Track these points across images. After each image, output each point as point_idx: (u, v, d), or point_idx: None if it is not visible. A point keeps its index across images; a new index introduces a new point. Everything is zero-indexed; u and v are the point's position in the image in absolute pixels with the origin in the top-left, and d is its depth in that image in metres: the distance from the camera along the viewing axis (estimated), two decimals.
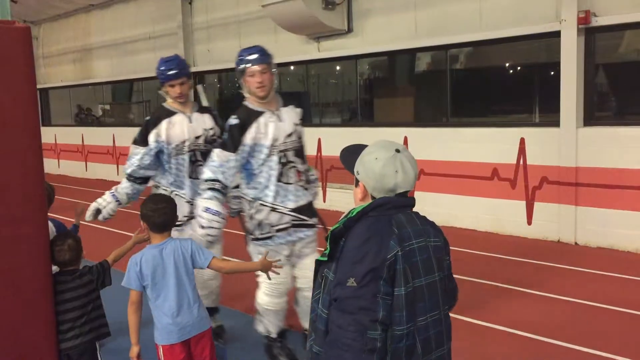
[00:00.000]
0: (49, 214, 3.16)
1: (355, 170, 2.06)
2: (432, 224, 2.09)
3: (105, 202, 4.30)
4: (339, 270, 1.90)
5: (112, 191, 4.34)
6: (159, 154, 4.29)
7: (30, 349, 2.99)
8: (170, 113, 4.33)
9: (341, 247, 1.95)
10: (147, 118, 4.46)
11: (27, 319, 2.96)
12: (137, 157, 4.29)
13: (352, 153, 2.12)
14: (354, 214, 1.97)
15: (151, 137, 4.26)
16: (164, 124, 4.27)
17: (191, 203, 4.21)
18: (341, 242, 1.96)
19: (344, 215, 2.04)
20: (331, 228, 2.00)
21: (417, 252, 1.96)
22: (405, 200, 2.02)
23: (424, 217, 2.08)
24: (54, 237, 3.29)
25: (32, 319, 2.98)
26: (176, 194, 4.23)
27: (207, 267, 3.22)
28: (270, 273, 3.29)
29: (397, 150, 2.00)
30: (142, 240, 3.50)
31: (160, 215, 3.14)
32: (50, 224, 3.28)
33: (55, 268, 3.22)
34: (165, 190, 4.30)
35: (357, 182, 2.07)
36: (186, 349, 3.17)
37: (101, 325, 3.26)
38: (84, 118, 17.22)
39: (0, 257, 2.85)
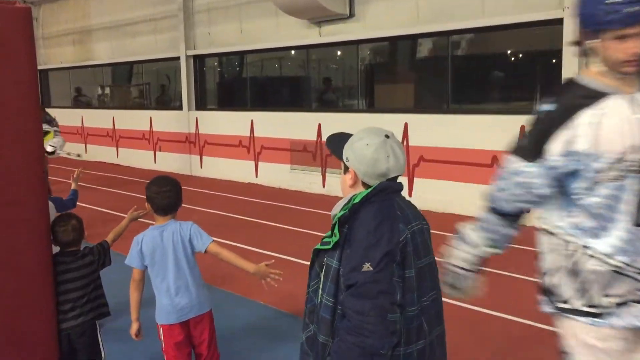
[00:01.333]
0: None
1: (344, 157, 2.06)
2: (415, 207, 2.12)
3: None
4: (352, 257, 1.89)
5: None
6: (568, 176, 2.17)
7: (30, 329, 3.01)
8: (598, 95, 2.14)
9: (345, 234, 1.95)
10: (546, 108, 2.24)
11: (27, 300, 2.98)
12: (518, 179, 2.26)
13: (338, 140, 2.12)
14: (357, 200, 1.96)
15: (556, 146, 2.14)
16: (586, 118, 2.10)
17: None
18: (345, 229, 1.95)
19: (342, 202, 2.04)
20: (336, 215, 1.99)
21: (418, 234, 2.00)
22: (399, 185, 2.05)
23: (409, 201, 2.11)
24: (57, 217, 3.32)
25: (32, 300, 3.00)
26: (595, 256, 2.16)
27: (205, 251, 3.22)
28: (267, 282, 3.18)
29: (387, 136, 2.01)
30: (137, 218, 3.53)
31: (163, 198, 3.16)
32: (49, 202, 3.30)
33: (55, 249, 3.24)
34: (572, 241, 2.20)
35: (345, 169, 2.07)
36: (185, 330, 3.21)
37: (101, 305, 3.30)
38: (80, 100, 17.17)
39: (1, 238, 2.86)
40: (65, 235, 3.20)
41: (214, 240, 3.23)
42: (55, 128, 6.72)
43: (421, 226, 2.04)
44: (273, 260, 3.38)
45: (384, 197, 1.97)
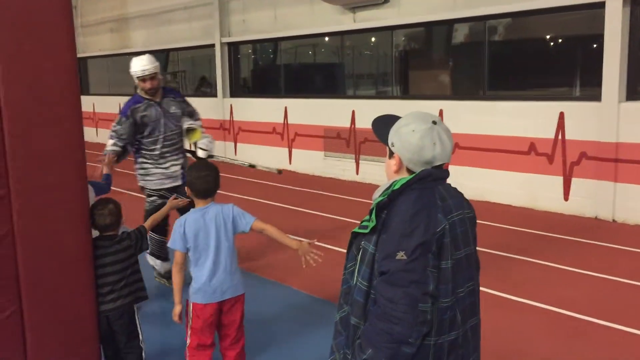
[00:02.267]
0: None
1: (389, 142, 2.02)
2: (463, 195, 2.08)
3: None
4: (387, 244, 1.88)
5: None
6: None
7: (71, 311, 3.09)
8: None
9: (383, 219, 1.93)
10: None
11: (68, 282, 3.06)
12: None
13: (385, 124, 2.08)
14: (398, 186, 1.93)
15: None
16: None
17: None
18: (383, 215, 1.94)
19: (383, 187, 2.01)
20: (375, 200, 1.97)
21: (458, 224, 1.96)
22: (444, 173, 2.00)
23: (456, 189, 2.07)
24: (95, 202, 3.39)
25: (72, 282, 3.08)
26: None
27: (250, 229, 3.31)
28: (307, 259, 3.25)
29: (434, 122, 1.96)
30: (177, 207, 3.61)
31: (202, 182, 3.26)
32: (89, 186, 3.37)
33: (95, 233, 3.31)
34: None
35: (390, 154, 2.03)
36: (217, 312, 3.28)
37: (139, 289, 3.37)
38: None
39: (41, 222, 2.94)
40: (102, 219, 3.27)
41: (256, 219, 3.32)
42: (200, 122, 5.49)
43: (463, 216, 1.99)
44: (316, 240, 3.41)
45: (425, 184, 1.93)
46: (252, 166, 5.89)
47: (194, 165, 3.34)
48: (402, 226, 1.86)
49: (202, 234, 3.22)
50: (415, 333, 1.83)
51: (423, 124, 1.95)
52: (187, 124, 5.30)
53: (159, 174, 5.14)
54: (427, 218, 1.87)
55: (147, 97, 5.03)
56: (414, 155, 1.95)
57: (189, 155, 5.40)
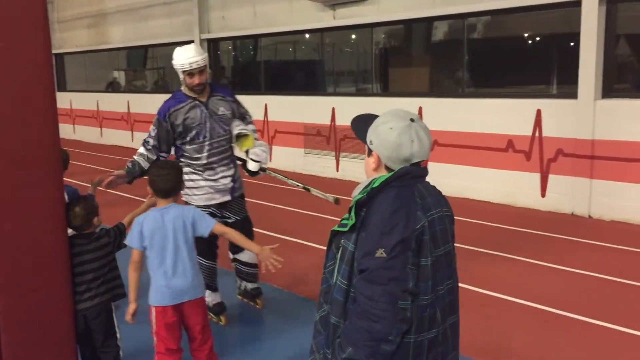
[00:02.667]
0: (64, 178, 3.19)
1: (368, 140, 2.03)
2: (441, 193, 2.09)
3: None
4: (366, 241, 1.88)
5: None
6: None
7: (47, 310, 3.05)
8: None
9: (362, 217, 1.93)
10: None
11: (44, 281, 3.02)
12: None
13: (363, 122, 2.09)
14: (377, 184, 1.93)
15: None
16: None
17: None
18: (362, 213, 1.94)
19: (362, 184, 2.01)
20: (354, 198, 1.97)
21: (437, 222, 1.96)
22: (422, 170, 2.01)
23: (434, 187, 2.08)
24: (68, 201, 3.33)
25: (48, 281, 3.03)
26: None
27: (209, 234, 3.27)
28: (266, 265, 3.21)
29: (412, 120, 1.97)
30: (155, 203, 3.55)
31: (163, 181, 3.20)
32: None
33: (72, 231, 3.27)
34: None
35: (369, 152, 2.04)
36: (178, 314, 3.23)
37: (116, 286, 3.33)
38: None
39: (17, 220, 2.90)
40: (70, 221, 3.18)
41: (217, 222, 3.29)
42: (253, 127, 4.56)
43: (442, 214, 2.00)
44: (277, 245, 3.35)
45: (404, 182, 1.94)
46: (306, 189, 4.91)
47: (156, 164, 3.30)
48: (381, 224, 1.87)
49: (160, 234, 3.17)
50: (395, 331, 1.83)
51: (401, 121, 1.96)
52: (237, 128, 4.39)
53: (207, 187, 4.33)
54: (406, 215, 1.88)
55: (192, 95, 4.25)
56: (392, 153, 1.95)
57: (239, 163, 4.58)
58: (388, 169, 1.99)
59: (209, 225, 3.25)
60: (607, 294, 4.91)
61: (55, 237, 3.05)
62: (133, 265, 3.23)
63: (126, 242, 3.22)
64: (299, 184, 4.93)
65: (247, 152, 4.47)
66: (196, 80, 4.15)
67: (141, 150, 4.23)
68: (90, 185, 4.02)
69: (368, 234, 1.89)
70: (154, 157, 4.16)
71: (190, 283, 3.22)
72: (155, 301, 3.21)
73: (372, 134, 2.01)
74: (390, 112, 2.02)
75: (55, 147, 3.05)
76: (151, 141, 4.22)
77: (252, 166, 4.46)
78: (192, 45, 4.26)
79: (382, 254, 1.83)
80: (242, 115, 4.56)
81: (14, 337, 2.97)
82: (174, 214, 3.20)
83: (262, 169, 4.53)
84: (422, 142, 1.96)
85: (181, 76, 4.21)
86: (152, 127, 4.29)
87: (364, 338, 1.84)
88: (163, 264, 3.18)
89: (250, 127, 4.55)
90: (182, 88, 4.29)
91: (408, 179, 1.95)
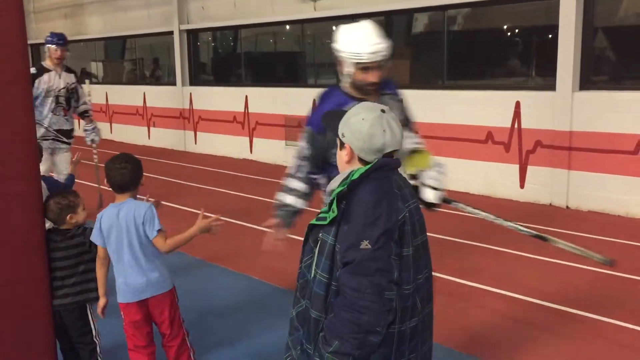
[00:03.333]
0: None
1: (340, 133, 2.04)
2: (410, 184, 2.12)
3: None
4: (350, 234, 1.89)
5: None
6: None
7: (24, 305, 3.02)
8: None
9: (342, 210, 1.94)
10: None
11: (20, 275, 2.99)
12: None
13: (334, 117, 2.11)
14: (356, 176, 1.94)
15: None
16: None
17: None
18: (342, 205, 1.94)
19: (339, 177, 2.02)
20: (335, 191, 1.97)
21: (414, 212, 2.00)
22: (397, 162, 2.04)
23: (405, 178, 2.11)
24: (52, 193, 3.29)
25: (25, 275, 3.00)
26: None
27: (152, 240, 3.11)
28: (212, 231, 3.16)
29: (382, 111, 1.99)
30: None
31: (117, 174, 3.08)
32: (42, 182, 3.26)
33: (50, 225, 3.23)
34: None
35: (341, 145, 2.05)
36: (143, 310, 3.17)
37: (90, 290, 3.25)
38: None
39: None
40: (49, 212, 3.16)
41: (159, 232, 3.07)
42: (421, 140, 3.54)
43: (417, 204, 2.04)
44: (203, 209, 3.22)
45: (383, 173, 1.96)
46: (542, 239, 3.56)
47: (114, 156, 3.17)
48: (364, 215, 1.88)
49: (115, 231, 3.08)
50: (382, 322, 1.85)
51: (372, 112, 1.98)
52: (409, 141, 3.30)
53: None
54: (388, 206, 1.89)
55: (358, 95, 3.10)
56: (364, 144, 1.97)
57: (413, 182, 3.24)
58: (362, 161, 2.01)
59: (153, 232, 3.07)
60: (585, 284, 4.98)
61: (32, 231, 3.01)
62: (99, 262, 3.17)
63: (91, 238, 3.14)
64: (529, 232, 3.67)
65: (417, 174, 3.31)
66: (373, 77, 3.03)
67: (292, 184, 3.35)
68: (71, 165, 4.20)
69: (351, 227, 1.89)
70: (310, 190, 3.34)
71: (151, 279, 3.13)
72: (119, 298, 3.17)
73: (343, 126, 2.03)
74: (360, 105, 2.05)
75: (31, 140, 3.01)
76: (305, 166, 3.25)
77: (431, 196, 3.28)
78: (370, 26, 3.06)
79: (367, 245, 1.84)
80: (408, 120, 3.47)
81: None
82: (127, 210, 3.08)
83: (445, 200, 3.42)
84: (393, 131, 1.98)
85: (348, 69, 3.06)
86: (302, 145, 3.27)
87: (350, 330, 1.84)
88: (120, 260, 3.11)
89: (420, 140, 3.48)
90: (343, 84, 3.17)
91: (386, 170, 1.97)
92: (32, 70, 6.18)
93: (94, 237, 3.13)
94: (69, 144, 6.80)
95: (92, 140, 7.36)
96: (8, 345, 3.00)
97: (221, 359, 3.83)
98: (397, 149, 2.02)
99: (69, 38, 16.38)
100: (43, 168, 4.87)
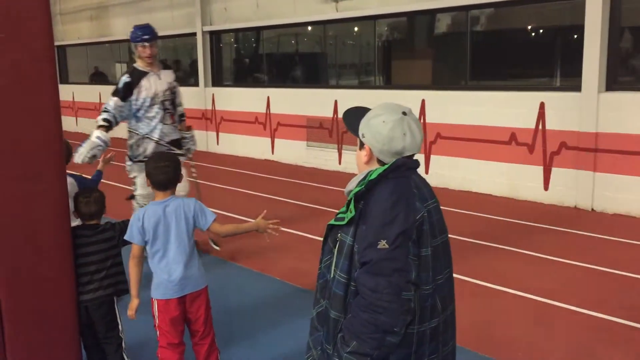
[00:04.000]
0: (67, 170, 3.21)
1: (360, 133, 2.03)
2: (429, 184, 2.10)
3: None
4: (368, 234, 1.88)
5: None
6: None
7: (50, 301, 3.06)
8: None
9: (360, 210, 1.93)
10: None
11: (47, 272, 3.03)
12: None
13: (355, 115, 2.09)
14: (374, 176, 1.93)
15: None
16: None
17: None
18: (360, 205, 1.93)
19: (357, 178, 2.01)
20: (353, 191, 1.97)
21: (433, 212, 1.98)
22: (416, 162, 2.03)
23: (424, 179, 2.09)
24: (81, 190, 3.38)
25: (51, 272, 3.04)
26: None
27: (207, 228, 3.24)
28: (269, 233, 3.32)
29: (404, 113, 1.97)
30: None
31: (161, 173, 3.16)
32: (71, 179, 3.35)
33: (77, 222, 3.29)
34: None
35: (361, 145, 2.04)
36: (181, 306, 3.21)
37: (120, 282, 3.33)
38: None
39: (20, 212, 2.90)
40: (88, 207, 3.27)
41: (216, 218, 3.24)
42: None
43: (437, 204, 2.03)
44: (265, 210, 3.40)
45: (401, 174, 1.95)
46: None
47: (153, 156, 3.27)
48: (382, 215, 1.87)
49: (162, 228, 3.14)
50: (400, 322, 1.83)
51: (393, 114, 1.96)
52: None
53: None
54: (406, 206, 1.88)
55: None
56: (384, 146, 1.96)
57: None
58: (380, 162, 2.00)
59: (208, 220, 3.21)
60: (609, 287, 4.91)
61: (58, 229, 3.05)
62: (134, 261, 3.21)
63: (126, 237, 3.19)
64: None
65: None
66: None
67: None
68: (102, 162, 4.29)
69: (369, 227, 1.88)
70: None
71: (192, 274, 3.21)
72: (158, 295, 3.20)
73: (364, 127, 2.01)
74: (383, 106, 2.03)
75: (58, 139, 3.05)
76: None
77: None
78: None
79: (384, 245, 1.83)
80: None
81: (17, 327, 2.98)
82: (175, 206, 3.18)
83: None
84: (414, 135, 1.96)
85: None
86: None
87: (368, 331, 1.83)
88: (165, 256, 3.17)
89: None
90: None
91: (404, 170, 1.96)
92: (125, 78, 5.30)
93: (132, 236, 3.17)
94: (183, 155, 5.63)
95: (188, 150, 5.88)
96: (34, 343, 3.04)
97: (241, 357, 3.84)
98: (416, 152, 2.01)
99: (94, 40, 16.50)
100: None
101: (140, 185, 5.32)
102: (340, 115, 10.01)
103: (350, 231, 1.93)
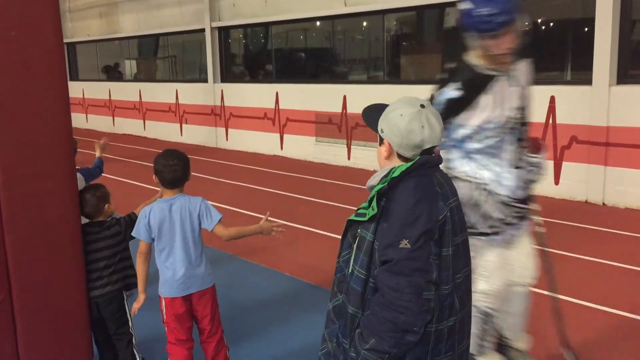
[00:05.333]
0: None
1: (379, 128, 2.02)
2: (451, 181, 2.08)
3: None
4: (389, 232, 1.87)
5: None
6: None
7: (61, 298, 3.09)
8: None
9: (382, 207, 1.91)
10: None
11: (57, 269, 3.05)
12: None
13: (374, 111, 2.08)
14: (397, 173, 1.91)
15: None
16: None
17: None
18: (382, 202, 1.92)
19: (379, 173, 1.99)
20: (375, 188, 1.95)
21: (455, 211, 1.96)
22: (439, 159, 2.01)
23: (447, 175, 2.07)
24: (82, 189, 3.38)
25: (62, 269, 3.07)
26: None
27: (212, 230, 3.20)
28: (274, 235, 3.30)
29: (422, 106, 1.95)
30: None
31: (170, 171, 3.14)
32: (78, 173, 3.37)
33: (84, 220, 3.30)
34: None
35: (381, 141, 2.03)
36: (187, 304, 3.22)
37: (128, 276, 3.36)
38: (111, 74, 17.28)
39: (30, 209, 2.93)
40: (88, 207, 3.26)
41: (221, 220, 3.19)
42: None
43: (458, 202, 2.01)
44: (268, 212, 3.39)
45: (424, 171, 1.93)
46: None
47: (162, 153, 3.22)
48: (404, 215, 1.85)
49: (167, 226, 3.13)
50: (419, 321, 1.83)
51: (411, 107, 1.95)
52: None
53: None
54: (429, 206, 1.87)
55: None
56: (402, 140, 1.94)
57: None
58: (400, 157, 1.98)
59: (213, 221, 3.18)
60: (621, 282, 4.87)
61: (68, 226, 3.08)
62: (141, 257, 3.21)
63: (133, 233, 3.19)
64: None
65: None
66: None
67: None
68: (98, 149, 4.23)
69: (390, 225, 1.87)
70: None
71: (198, 274, 3.19)
72: (164, 292, 3.21)
73: (382, 122, 2.00)
74: (400, 100, 2.01)
75: (67, 136, 3.07)
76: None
77: None
78: None
79: (406, 244, 1.82)
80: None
81: (29, 324, 3.01)
82: (180, 204, 3.16)
83: None
84: (432, 127, 1.94)
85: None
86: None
87: (388, 329, 1.83)
88: (171, 255, 3.16)
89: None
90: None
91: (427, 168, 1.94)
92: (455, 91, 3.04)
93: (139, 232, 3.17)
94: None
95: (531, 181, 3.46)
96: (46, 339, 3.07)
97: (251, 354, 3.85)
98: (436, 145, 1.98)
99: (104, 37, 16.49)
100: None
101: None
102: (349, 110, 9.99)
103: (371, 228, 1.92)
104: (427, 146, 1.95)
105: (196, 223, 3.17)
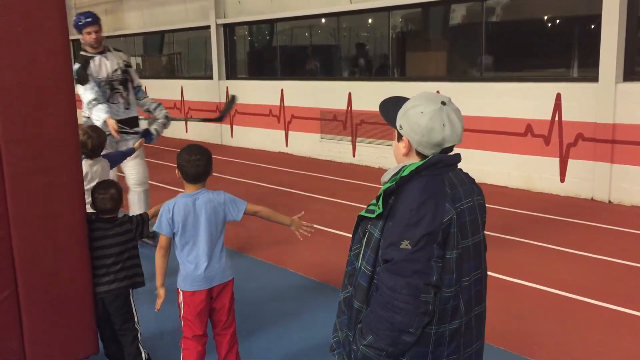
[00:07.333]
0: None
1: (398, 124, 1.97)
2: (474, 181, 2.04)
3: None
4: (392, 232, 1.85)
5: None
6: None
7: (67, 293, 3.10)
8: None
9: (390, 206, 1.89)
10: None
11: (64, 265, 3.06)
12: None
13: (392, 106, 2.02)
14: (406, 172, 1.88)
15: None
16: None
17: None
18: (390, 201, 1.90)
19: (392, 170, 1.97)
20: (383, 186, 1.93)
21: (467, 212, 1.92)
22: (454, 158, 1.96)
23: (467, 174, 2.03)
24: (97, 184, 3.40)
25: (68, 264, 3.08)
26: None
27: (244, 213, 3.27)
28: (301, 233, 3.40)
29: (443, 103, 1.90)
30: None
31: (192, 166, 3.15)
32: (104, 161, 4.12)
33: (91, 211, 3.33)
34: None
35: (399, 137, 1.98)
36: (207, 298, 3.22)
37: (136, 275, 3.36)
38: None
39: (36, 204, 2.93)
40: (103, 203, 3.30)
41: (248, 203, 3.29)
42: None
43: (473, 203, 1.95)
44: (302, 212, 3.51)
45: (435, 171, 1.89)
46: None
47: (185, 148, 3.24)
48: (408, 215, 1.83)
49: (191, 220, 3.14)
50: (416, 323, 1.82)
51: (432, 105, 1.89)
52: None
53: None
54: (434, 207, 1.83)
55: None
56: (423, 138, 1.90)
57: None
58: (419, 154, 1.94)
59: (240, 209, 3.23)
60: (627, 280, 4.86)
61: (74, 222, 3.08)
62: (161, 252, 3.21)
63: (155, 228, 3.19)
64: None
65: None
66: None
67: None
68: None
69: (394, 224, 1.85)
70: None
71: (220, 267, 3.21)
72: (185, 286, 3.20)
73: (401, 118, 1.95)
74: (421, 95, 1.96)
75: (73, 131, 3.08)
76: None
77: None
78: None
79: (407, 245, 1.80)
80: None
81: (35, 319, 3.02)
82: (205, 199, 3.18)
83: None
84: (454, 125, 1.90)
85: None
86: None
87: (384, 328, 1.83)
88: (195, 249, 3.17)
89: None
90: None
91: (439, 168, 1.90)
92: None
93: (161, 227, 3.16)
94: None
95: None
96: (52, 335, 3.08)
97: (260, 349, 3.85)
98: (457, 143, 1.94)
99: (109, 33, 16.55)
100: None
101: None
102: (354, 107, 9.98)
103: (379, 225, 1.90)
104: (447, 145, 1.91)
105: (220, 217, 3.20)
